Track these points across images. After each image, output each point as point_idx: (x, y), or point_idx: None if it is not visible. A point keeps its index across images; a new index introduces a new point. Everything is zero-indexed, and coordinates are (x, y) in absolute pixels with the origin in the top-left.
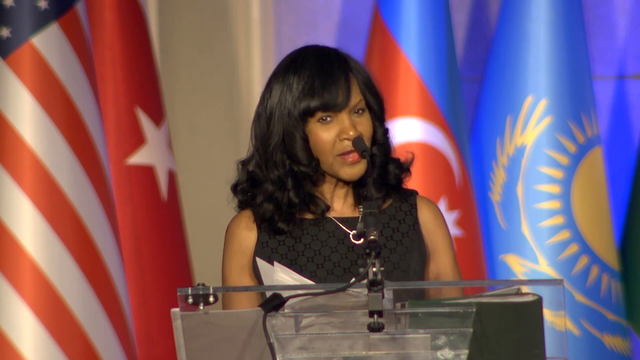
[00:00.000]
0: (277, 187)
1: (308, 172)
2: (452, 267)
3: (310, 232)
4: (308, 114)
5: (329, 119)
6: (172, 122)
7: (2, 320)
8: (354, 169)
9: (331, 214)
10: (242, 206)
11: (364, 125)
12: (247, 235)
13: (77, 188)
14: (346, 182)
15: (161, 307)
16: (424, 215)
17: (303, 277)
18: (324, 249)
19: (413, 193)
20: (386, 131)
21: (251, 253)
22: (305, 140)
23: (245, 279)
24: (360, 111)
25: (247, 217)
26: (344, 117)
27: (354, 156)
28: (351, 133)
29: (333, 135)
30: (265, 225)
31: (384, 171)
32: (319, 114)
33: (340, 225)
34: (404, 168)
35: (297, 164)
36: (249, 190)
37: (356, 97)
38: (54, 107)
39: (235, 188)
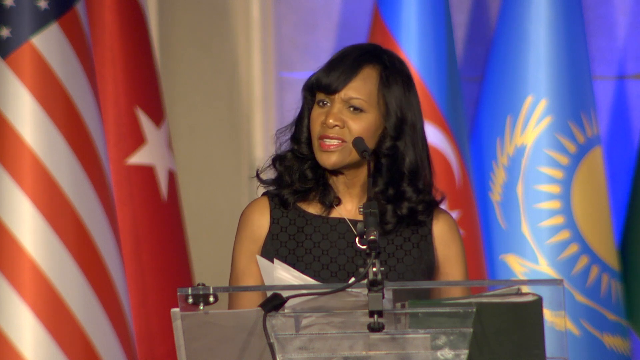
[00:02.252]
0: (293, 157)
1: (299, 149)
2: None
3: (321, 231)
4: (308, 90)
5: (327, 103)
6: (172, 122)
7: (2, 320)
8: (326, 158)
9: (345, 215)
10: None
11: (356, 123)
12: (261, 223)
13: (77, 188)
14: (343, 169)
15: (161, 307)
16: (439, 228)
17: (303, 275)
18: (332, 249)
19: (432, 204)
20: (394, 147)
21: (261, 243)
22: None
23: (254, 266)
24: (356, 110)
25: (262, 205)
26: (335, 105)
27: (329, 144)
28: (330, 120)
29: (321, 118)
30: (277, 210)
31: (399, 192)
32: (317, 95)
33: (352, 227)
34: (424, 200)
35: (296, 141)
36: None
37: (355, 92)
38: (54, 107)
39: (274, 162)
